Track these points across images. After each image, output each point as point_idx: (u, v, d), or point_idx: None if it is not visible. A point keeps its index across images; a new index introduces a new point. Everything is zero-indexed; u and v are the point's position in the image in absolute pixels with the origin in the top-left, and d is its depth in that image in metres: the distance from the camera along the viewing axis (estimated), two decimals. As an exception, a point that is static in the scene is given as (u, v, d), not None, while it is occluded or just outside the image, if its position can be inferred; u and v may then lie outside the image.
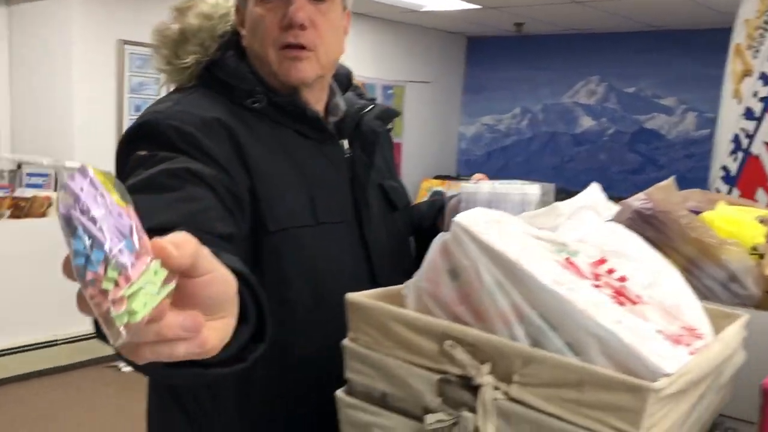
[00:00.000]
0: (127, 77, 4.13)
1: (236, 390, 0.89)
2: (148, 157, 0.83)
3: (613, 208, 0.74)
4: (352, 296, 0.69)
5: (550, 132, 5.99)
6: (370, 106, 1.05)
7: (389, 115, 1.09)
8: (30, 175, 3.87)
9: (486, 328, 0.64)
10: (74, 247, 0.37)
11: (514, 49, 5.95)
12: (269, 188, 0.88)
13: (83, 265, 0.37)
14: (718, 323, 0.72)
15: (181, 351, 0.42)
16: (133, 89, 4.19)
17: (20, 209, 3.52)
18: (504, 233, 0.66)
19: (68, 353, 3.77)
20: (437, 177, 5.84)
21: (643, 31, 5.23)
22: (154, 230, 0.44)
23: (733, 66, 2.24)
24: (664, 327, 0.66)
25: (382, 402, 0.68)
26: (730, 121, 2.23)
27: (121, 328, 0.37)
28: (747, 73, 2.17)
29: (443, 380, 0.64)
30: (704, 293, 0.91)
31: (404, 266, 0.96)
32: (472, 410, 0.62)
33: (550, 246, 0.69)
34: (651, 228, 0.99)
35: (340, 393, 0.71)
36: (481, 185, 0.95)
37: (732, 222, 1.01)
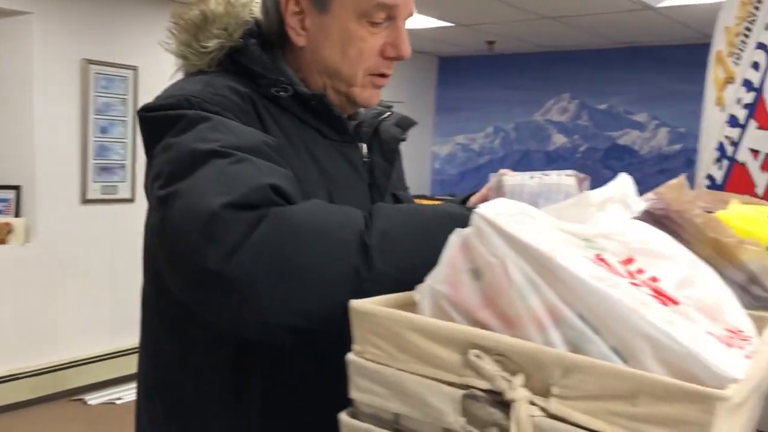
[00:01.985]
0: (92, 98, 4.00)
1: (232, 407, 0.84)
2: (202, 117, 0.81)
3: (642, 202, 0.66)
4: (358, 303, 0.60)
5: (523, 150, 5.99)
6: (388, 113, 1.03)
7: (408, 123, 1.07)
8: (-11, 200, 3.70)
9: (516, 335, 0.55)
10: None
11: (486, 68, 5.98)
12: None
13: None
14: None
15: None
16: (99, 110, 4.05)
17: (-22, 235, 3.35)
18: (533, 226, 0.58)
19: (31, 387, 3.58)
20: (413, 197, 5.79)
21: (614, 47, 5.29)
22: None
23: (714, 74, 2.23)
24: (712, 329, 0.58)
25: (395, 425, 0.59)
26: (713, 129, 2.22)
27: None
28: (729, 80, 2.16)
29: (469, 396, 0.55)
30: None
31: None
32: (504, 430, 0.54)
33: (578, 241, 0.62)
34: (664, 228, 0.92)
35: (343, 416, 0.62)
36: (525, 176, 0.86)
37: (750, 220, 0.95)
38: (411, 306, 0.62)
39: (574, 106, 5.72)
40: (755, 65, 2.02)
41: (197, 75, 0.92)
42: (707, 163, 2.19)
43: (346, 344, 0.61)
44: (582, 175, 0.81)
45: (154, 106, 0.87)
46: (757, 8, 2.08)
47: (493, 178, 0.92)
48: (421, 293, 0.60)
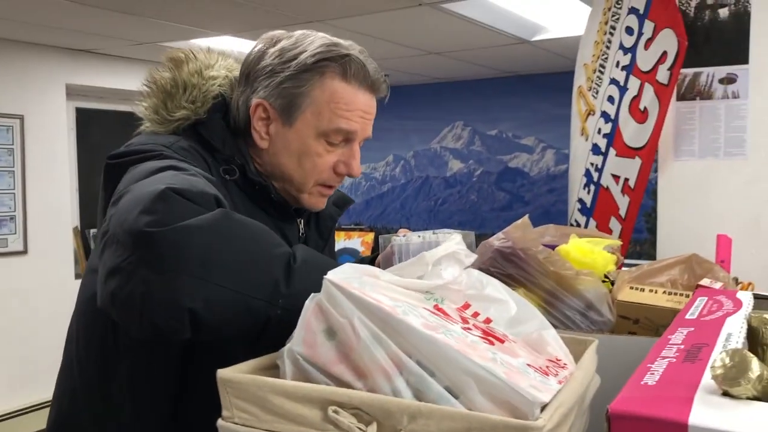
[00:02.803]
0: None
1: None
2: (168, 166, 0.83)
3: (473, 255, 0.76)
4: (223, 372, 0.65)
5: (423, 177, 6.21)
6: None
7: (345, 201, 1.16)
8: None
9: (368, 385, 0.62)
10: None
11: (382, 99, 6.13)
12: None
13: None
14: (574, 350, 0.75)
15: None
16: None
17: None
18: (376, 286, 0.66)
19: None
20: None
21: (500, 77, 5.61)
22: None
23: (578, 106, 2.44)
24: (533, 361, 0.68)
25: (268, 480, 0.64)
26: (580, 157, 2.41)
27: None
28: (590, 112, 2.37)
29: (329, 448, 0.61)
30: (565, 323, 0.97)
31: None
32: (362, 474, 0.60)
33: (418, 295, 0.70)
34: (512, 265, 1.04)
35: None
36: (411, 236, 0.96)
37: (585, 253, 1.08)
38: (274, 368, 0.68)
39: (467, 133, 6.00)
40: (610, 99, 2.23)
41: (163, 139, 0.95)
42: (577, 189, 2.39)
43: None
44: (465, 232, 0.90)
45: (118, 152, 0.90)
46: (608, 47, 2.31)
47: (382, 240, 1.00)
48: (281, 357, 0.66)
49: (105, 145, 4.69)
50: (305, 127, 0.97)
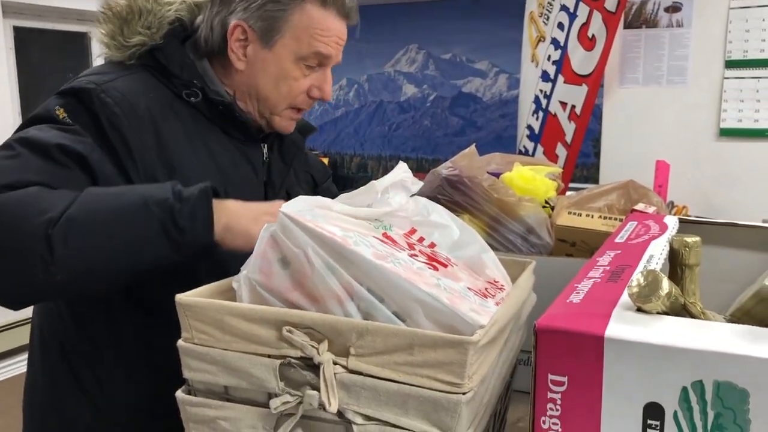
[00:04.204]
0: None
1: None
2: (62, 120, 0.90)
3: (419, 182, 0.80)
4: (182, 297, 0.68)
5: (377, 101, 6.16)
6: None
7: (308, 128, 1.21)
8: None
9: (321, 309, 0.67)
10: None
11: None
12: (184, 180, 0.89)
13: None
14: (513, 271, 0.81)
15: None
16: None
17: None
18: (328, 217, 0.69)
19: None
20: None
21: (454, -1, 5.52)
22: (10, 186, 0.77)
23: (529, 32, 2.45)
24: (472, 284, 0.74)
25: (225, 396, 0.69)
26: (530, 83, 2.45)
27: None
28: (541, 38, 2.39)
29: (285, 364, 0.66)
30: (507, 246, 1.03)
31: None
32: (315, 388, 0.65)
33: (368, 224, 0.74)
34: (458, 192, 1.09)
35: (180, 393, 0.71)
36: None
37: (527, 180, 1.14)
38: (229, 291, 0.72)
39: (421, 57, 5.94)
40: (560, 26, 2.25)
41: (120, 67, 0.99)
42: (527, 115, 2.44)
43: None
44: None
45: (63, 89, 0.94)
46: (560, -28, 2.31)
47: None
48: (237, 282, 0.70)
49: (47, 66, 4.50)
50: (284, 51, 1.00)
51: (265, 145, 1.11)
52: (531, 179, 1.12)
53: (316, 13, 1.00)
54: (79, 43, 4.58)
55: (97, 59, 1.03)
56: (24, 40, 4.37)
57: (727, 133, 2.23)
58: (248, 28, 0.99)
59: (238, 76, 1.04)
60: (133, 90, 0.95)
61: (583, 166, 4.35)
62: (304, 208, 0.68)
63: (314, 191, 1.22)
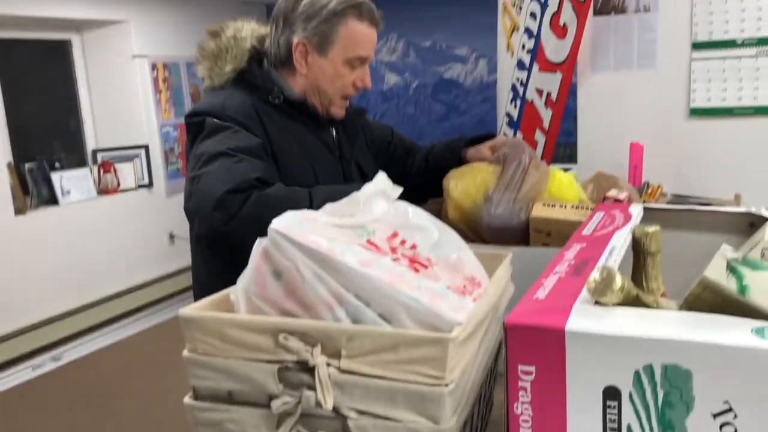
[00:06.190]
0: None
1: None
2: (225, 126, 1.28)
3: (399, 189, 0.86)
4: (185, 312, 0.74)
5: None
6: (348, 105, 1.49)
7: (361, 110, 1.56)
8: None
9: (313, 316, 0.73)
10: None
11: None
12: (284, 159, 1.32)
13: None
14: (491, 264, 0.87)
15: None
16: None
17: None
18: (316, 229, 0.75)
19: None
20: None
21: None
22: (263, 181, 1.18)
23: (503, 22, 2.50)
24: (451, 282, 0.80)
25: (230, 399, 0.75)
26: (507, 71, 2.50)
27: None
28: (515, 28, 2.44)
29: (283, 368, 0.72)
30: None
31: None
32: (312, 388, 0.71)
33: (352, 232, 0.80)
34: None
35: (187, 400, 0.77)
36: None
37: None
38: (228, 303, 0.78)
39: (402, 45, 5.97)
40: (533, 15, 2.31)
41: (219, 90, 1.39)
42: (505, 103, 2.49)
43: None
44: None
45: (192, 112, 1.34)
46: (531, -38, 2.35)
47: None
48: (236, 294, 0.76)
49: (31, 77, 4.49)
50: (335, 57, 1.36)
51: (333, 128, 1.45)
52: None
53: (356, 26, 1.36)
54: (61, 50, 4.58)
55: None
56: (7, 51, 4.36)
57: (697, 113, 2.31)
58: (308, 43, 1.36)
59: (302, 79, 1.39)
60: (240, 100, 1.32)
61: (566, 145, 4.41)
62: (292, 222, 0.74)
63: (387, 149, 1.61)
